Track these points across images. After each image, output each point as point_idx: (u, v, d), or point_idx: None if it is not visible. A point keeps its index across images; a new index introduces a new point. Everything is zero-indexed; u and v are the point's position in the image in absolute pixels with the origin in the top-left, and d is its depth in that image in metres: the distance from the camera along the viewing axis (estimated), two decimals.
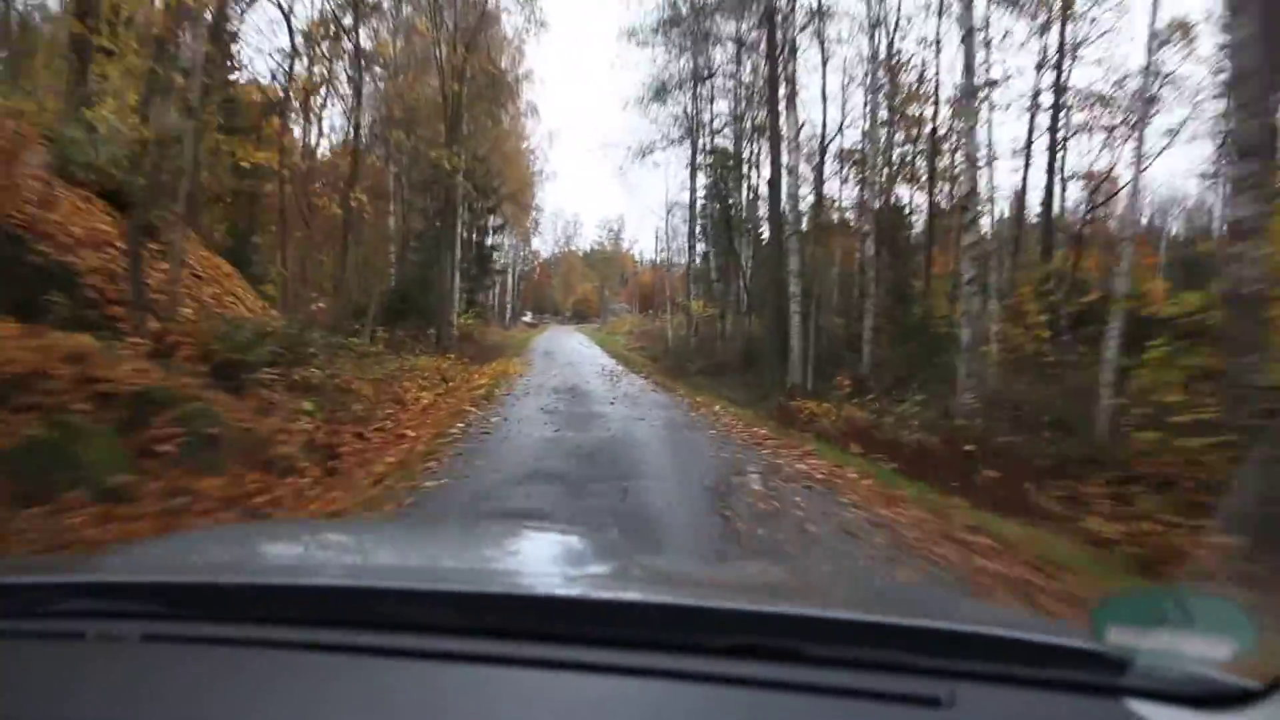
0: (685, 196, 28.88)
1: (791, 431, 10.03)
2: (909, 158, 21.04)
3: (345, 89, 17.30)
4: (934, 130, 19.62)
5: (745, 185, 26.66)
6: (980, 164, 12.47)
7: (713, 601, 1.02)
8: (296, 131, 17.93)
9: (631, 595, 1.09)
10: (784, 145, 17.04)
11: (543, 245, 74.94)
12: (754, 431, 9.38)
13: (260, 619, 0.91)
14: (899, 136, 19.97)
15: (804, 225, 18.59)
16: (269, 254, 21.51)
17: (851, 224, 21.92)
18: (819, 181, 21.24)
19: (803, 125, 17.26)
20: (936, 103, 19.07)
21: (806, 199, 18.99)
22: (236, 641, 0.89)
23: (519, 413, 9.85)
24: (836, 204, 24.46)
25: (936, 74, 18.93)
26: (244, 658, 0.87)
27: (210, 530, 2.80)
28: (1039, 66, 18.18)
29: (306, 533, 1.96)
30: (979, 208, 11.18)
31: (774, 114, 17.68)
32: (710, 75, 20.11)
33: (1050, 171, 19.72)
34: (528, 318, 75.19)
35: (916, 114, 20.09)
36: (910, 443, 9.58)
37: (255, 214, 18.94)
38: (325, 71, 17.41)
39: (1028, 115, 18.74)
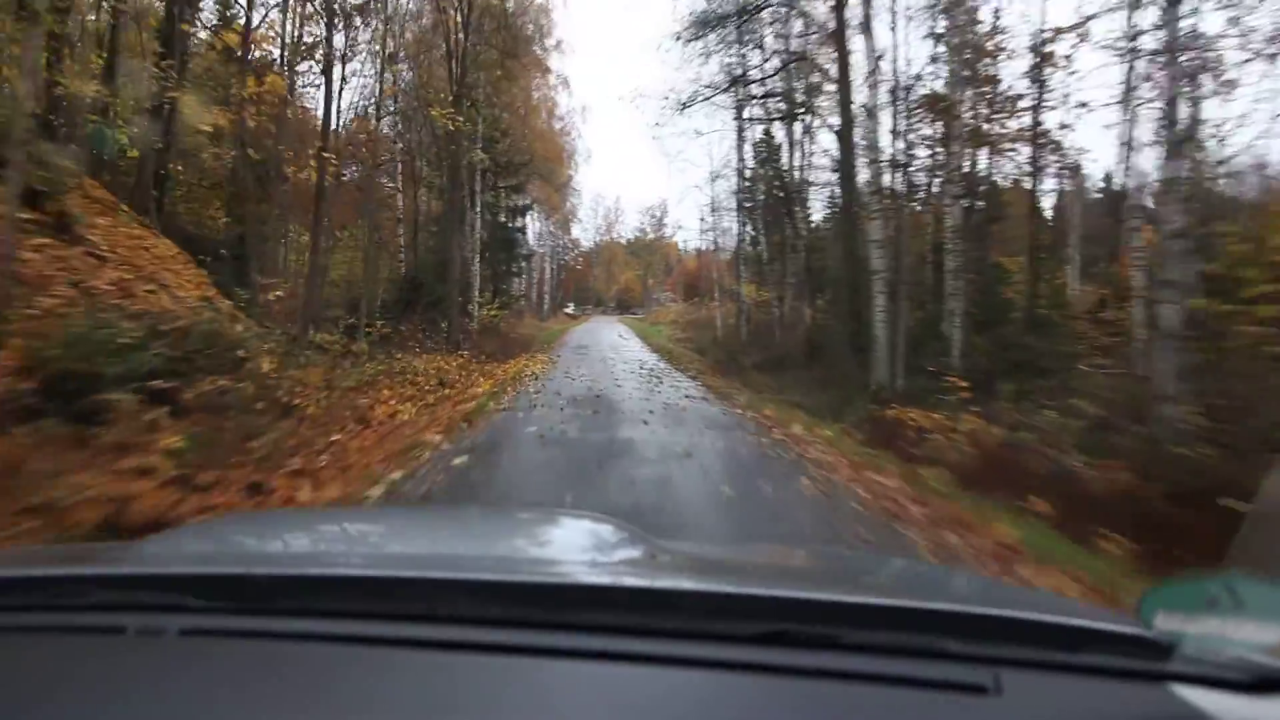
0: (732, 166, 25.03)
1: (892, 457, 6.84)
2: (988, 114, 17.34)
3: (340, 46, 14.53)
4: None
5: (799, 150, 22.90)
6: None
7: (746, 588, 0.99)
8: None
9: (662, 582, 1.06)
10: (856, 86, 13.64)
11: (583, 233, 72.24)
12: (874, 481, 5.87)
13: (296, 611, 0.91)
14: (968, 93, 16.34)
15: (890, 183, 15.07)
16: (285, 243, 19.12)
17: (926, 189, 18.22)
18: (900, 135, 17.61)
19: (880, 56, 13.76)
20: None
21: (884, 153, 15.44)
22: (274, 635, 0.89)
23: (507, 441, 6.78)
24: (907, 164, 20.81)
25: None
26: (282, 651, 0.87)
27: (241, 517, 2.70)
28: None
29: (334, 520, 1.93)
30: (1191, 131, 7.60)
31: (841, 45, 14.24)
32: (760, 7, 16.60)
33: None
34: (570, 309, 72.69)
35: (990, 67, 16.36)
36: (1096, 483, 6.26)
37: (271, 199, 16.14)
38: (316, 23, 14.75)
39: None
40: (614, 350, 22.48)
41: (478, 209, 20.05)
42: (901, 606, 0.91)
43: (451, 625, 0.87)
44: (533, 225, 38.58)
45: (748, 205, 25.81)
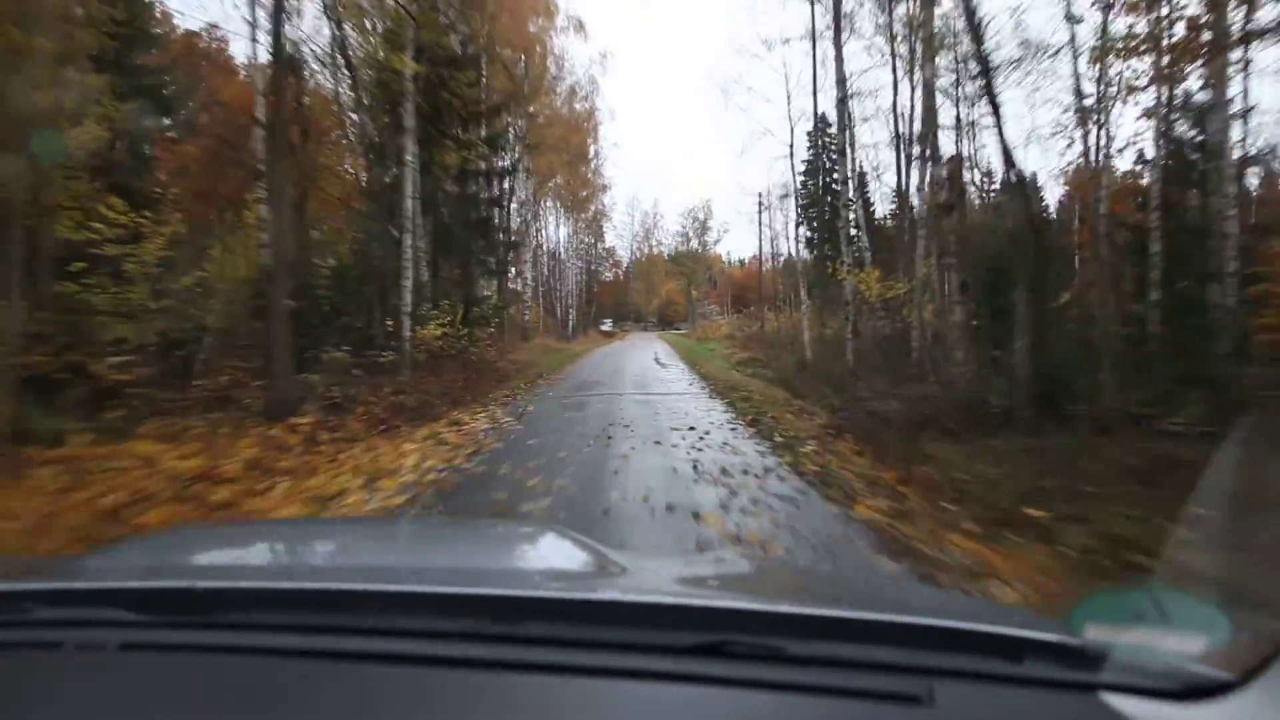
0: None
1: None
2: None
3: None
4: None
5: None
6: None
7: (686, 599, 1.03)
8: None
9: (607, 594, 1.07)
10: None
11: (619, 242, 64.17)
12: None
13: (240, 625, 0.90)
14: None
15: None
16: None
17: None
18: None
19: None
20: None
21: None
22: (216, 649, 0.89)
23: None
24: None
25: None
26: (225, 665, 0.86)
27: (188, 530, 2.54)
28: None
29: (282, 533, 1.89)
30: None
31: None
32: None
33: None
34: (606, 325, 64.78)
35: None
36: None
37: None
38: None
39: None
40: (645, 384, 13.95)
41: (410, 158, 11.85)
42: (839, 617, 0.92)
43: (395, 638, 0.87)
44: (524, 195, 29.90)
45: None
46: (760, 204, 33.39)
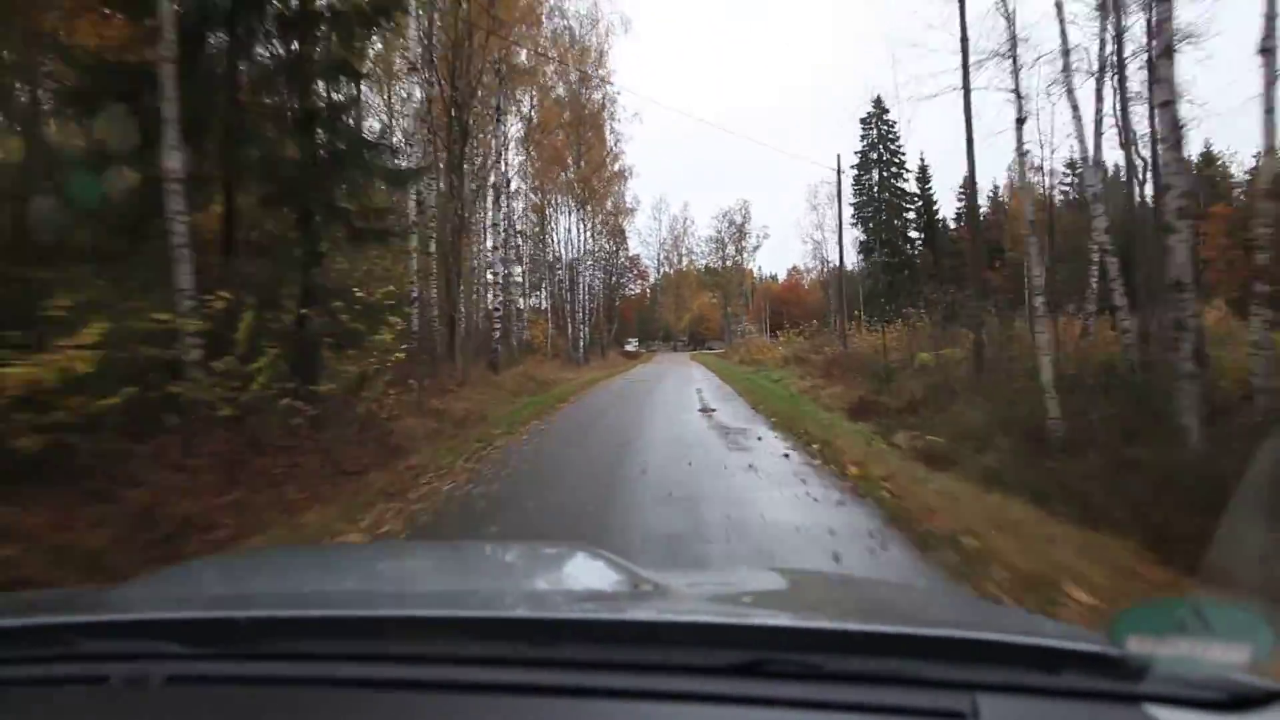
0: None
1: None
2: None
3: None
4: None
5: None
6: None
7: (722, 617, 1.02)
8: None
9: (640, 614, 1.06)
10: None
11: (645, 250, 55.90)
12: None
13: (282, 655, 0.90)
14: None
15: None
16: None
17: None
18: None
19: None
20: None
21: None
22: (260, 680, 0.89)
23: None
24: None
25: None
26: (269, 698, 0.87)
27: (226, 558, 2.66)
28: None
29: (319, 559, 1.93)
30: None
31: None
32: None
33: None
34: (631, 344, 56.36)
35: None
36: None
37: None
38: None
39: None
40: (700, 535, 4.75)
41: None
42: (877, 632, 0.91)
43: (434, 665, 0.87)
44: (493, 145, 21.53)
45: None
46: (837, 170, 24.47)
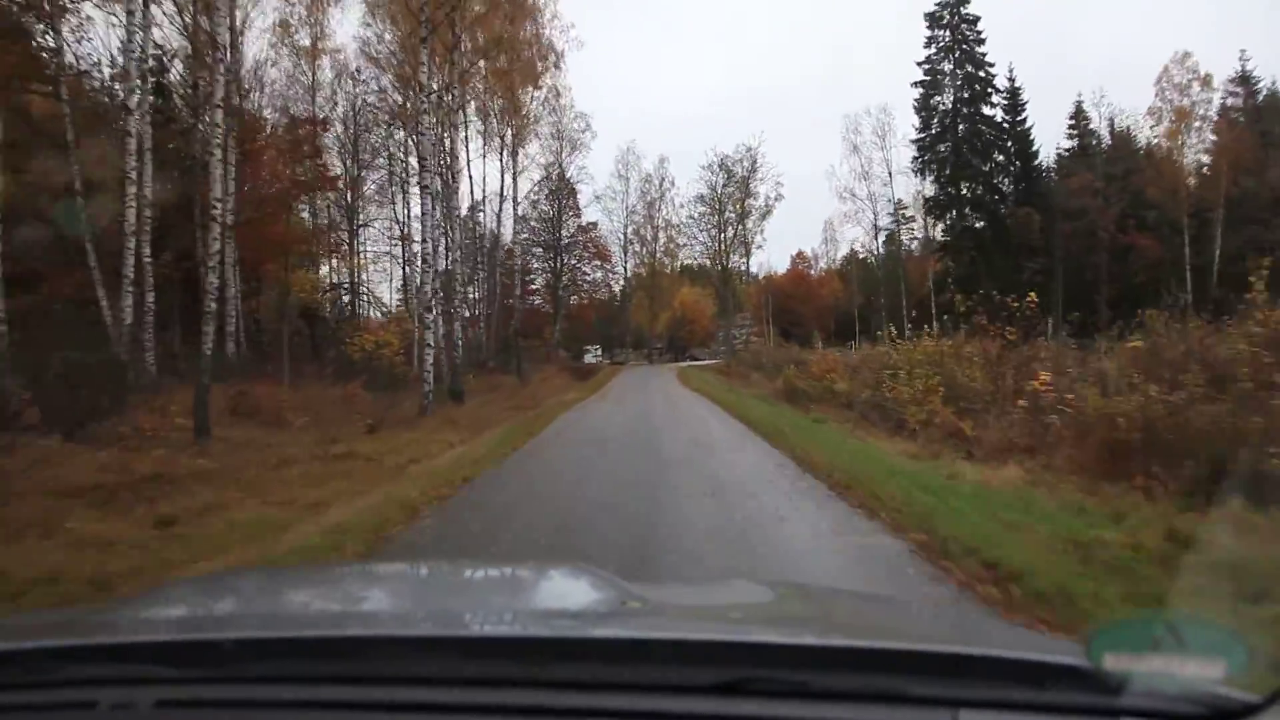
0: None
1: None
2: None
3: None
4: None
5: None
6: None
7: (710, 634, 1.02)
8: None
9: (626, 632, 1.05)
10: None
11: (609, 223, 40.89)
12: None
13: (270, 677, 0.90)
14: None
15: None
16: None
17: None
18: None
19: None
20: None
21: None
22: (249, 704, 0.89)
23: None
24: None
25: None
26: None
27: (209, 580, 2.58)
28: None
29: (307, 579, 1.84)
30: None
31: None
32: None
33: None
34: (593, 354, 41.52)
35: None
36: None
37: None
38: None
39: None
40: None
41: None
42: (862, 648, 0.92)
43: (423, 686, 0.87)
44: None
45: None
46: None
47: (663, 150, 69.29)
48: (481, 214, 28.33)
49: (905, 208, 37.72)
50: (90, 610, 1.64)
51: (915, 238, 38.76)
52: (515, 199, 28.54)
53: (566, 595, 1.44)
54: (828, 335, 50.09)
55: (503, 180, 28.40)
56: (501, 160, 27.22)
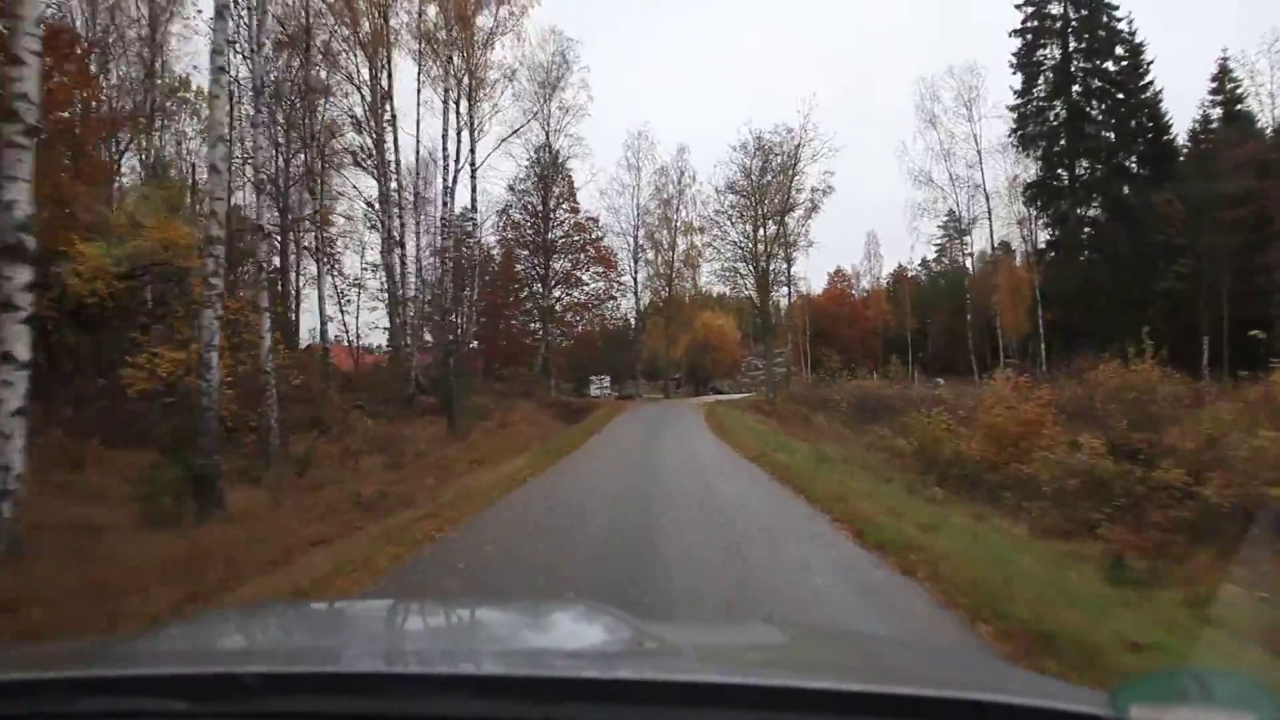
0: None
1: None
2: None
3: None
4: None
5: None
6: None
7: (724, 677, 1.02)
8: None
9: (644, 674, 1.04)
10: None
11: (613, 223, 32.79)
12: None
13: (288, 714, 0.90)
14: None
15: None
16: None
17: None
18: None
19: None
20: None
21: None
22: None
23: None
24: None
25: None
26: None
27: (226, 613, 2.59)
28: None
29: (325, 614, 1.89)
30: None
31: None
32: None
33: None
34: (599, 387, 32.99)
35: None
36: None
37: None
38: None
39: None
40: None
41: None
42: (878, 694, 0.91)
43: None
44: None
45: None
46: None
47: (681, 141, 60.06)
48: (425, 184, 20.25)
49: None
50: (107, 641, 1.68)
51: (1018, 242, 30.03)
52: (474, 164, 20.46)
53: (583, 635, 1.40)
54: (874, 365, 41.84)
55: (458, 141, 20.42)
56: (448, 101, 19.20)
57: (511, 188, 27.74)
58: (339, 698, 0.91)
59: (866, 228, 61.45)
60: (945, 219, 52.76)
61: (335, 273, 22.62)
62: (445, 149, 19.46)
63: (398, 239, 18.70)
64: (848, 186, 60.84)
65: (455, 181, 20.49)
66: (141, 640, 1.39)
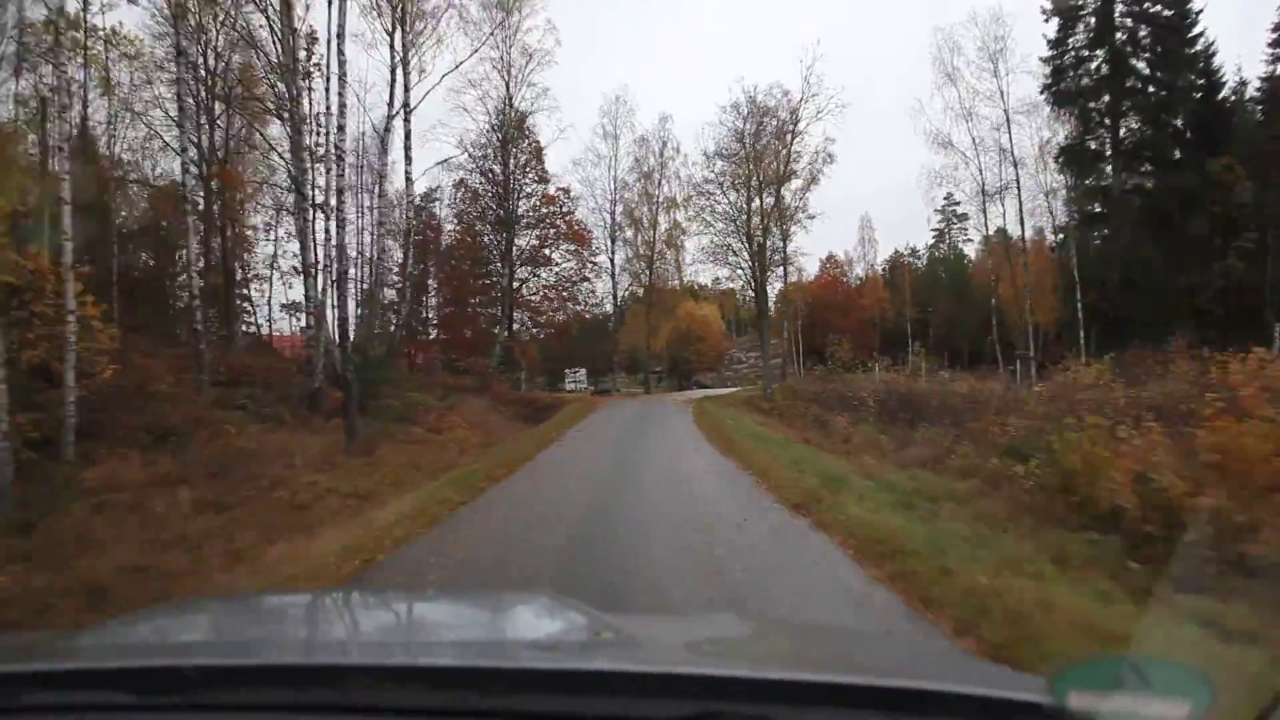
0: None
1: None
2: None
3: None
4: None
5: None
6: None
7: (679, 667, 1.00)
8: None
9: (596, 664, 1.03)
10: None
11: (588, 200, 28.81)
12: None
13: (233, 705, 0.89)
14: None
15: None
16: None
17: None
18: None
19: None
20: None
21: None
22: None
23: None
24: None
25: None
26: None
27: (178, 605, 2.62)
28: None
29: (275, 606, 1.78)
30: None
31: None
32: None
33: None
34: (574, 381, 31.57)
35: None
36: None
37: None
38: None
39: None
40: None
41: None
42: (829, 683, 0.91)
43: (391, 716, 0.87)
44: None
45: None
46: None
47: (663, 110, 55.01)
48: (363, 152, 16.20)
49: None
50: (53, 635, 1.65)
51: (1044, 217, 26.47)
52: (408, 105, 16.39)
53: (541, 626, 1.39)
54: (869, 355, 38.27)
55: (392, 82, 16.34)
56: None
57: (464, 146, 23.57)
58: (284, 689, 0.89)
59: (859, 212, 57.57)
60: (945, 201, 49.81)
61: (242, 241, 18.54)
62: (391, 99, 15.46)
63: (312, 198, 14.68)
64: (839, 169, 57.34)
65: (388, 129, 16.46)
66: (85, 635, 1.34)
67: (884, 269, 50.78)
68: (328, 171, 14.88)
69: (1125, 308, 22.96)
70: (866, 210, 58.63)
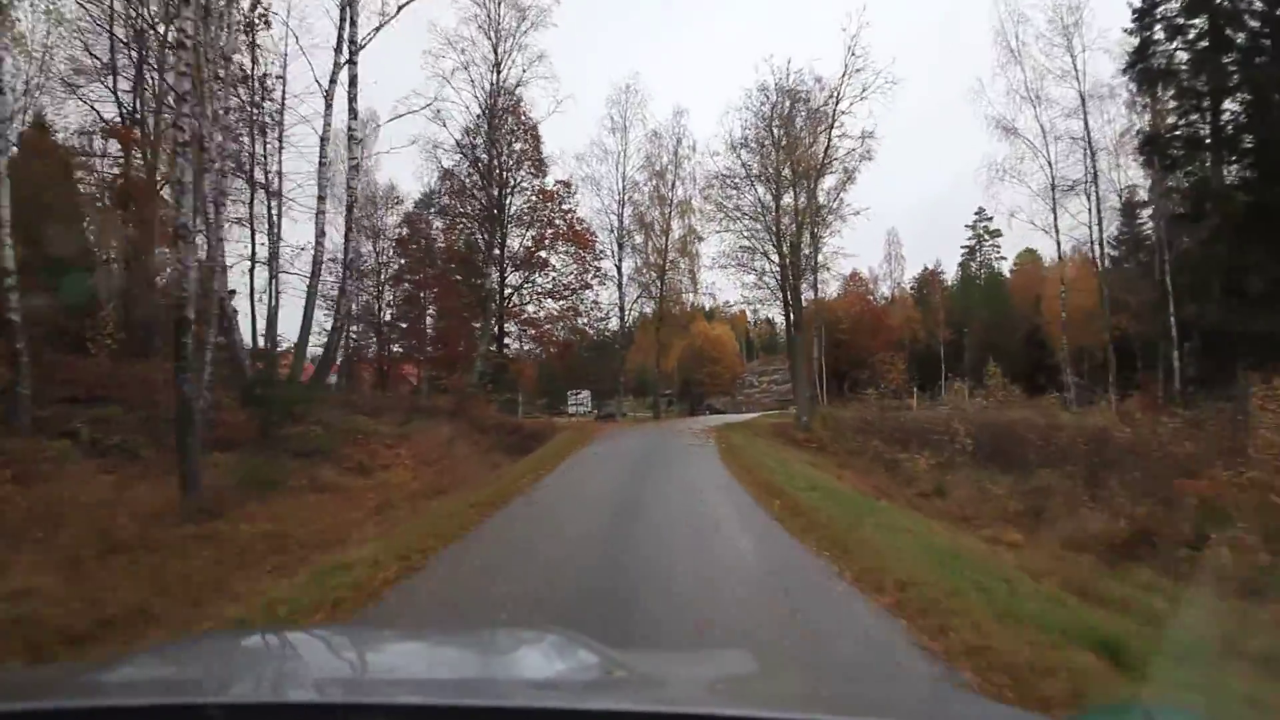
0: None
1: None
2: None
3: None
4: None
5: None
6: None
7: (692, 707, 1.02)
8: None
9: (609, 704, 1.02)
10: None
11: (593, 199, 25.36)
12: None
13: None
14: None
15: None
16: None
17: None
18: None
19: None
20: None
21: None
22: None
23: None
24: None
25: None
26: None
27: (203, 638, 2.60)
28: None
29: (298, 641, 1.78)
30: None
31: None
32: None
33: None
34: (576, 404, 29.13)
35: None
36: None
37: None
38: None
39: None
40: None
41: None
42: None
43: None
44: None
45: None
46: None
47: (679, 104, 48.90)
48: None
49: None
50: (71, 669, 1.62)
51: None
52: (354, 41, 12.82)
53: (553, 664, 1.39)
54: (901, 380, 34.53)
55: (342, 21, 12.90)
56: None
57: (441, 120, 20.03)
58: None
59: (884, 228, 53.73)
60: (976, 215, 46.17)
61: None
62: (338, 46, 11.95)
63: (210, 155, 11.12)
64: (863, 181, 53.71)
65: (334, 80, 12.99)
66: (104, 670, 1.34)
67: (912, 287, 47.11)
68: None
69: (1230, 322, 19.33)
70: (894, 225, 55.02)
